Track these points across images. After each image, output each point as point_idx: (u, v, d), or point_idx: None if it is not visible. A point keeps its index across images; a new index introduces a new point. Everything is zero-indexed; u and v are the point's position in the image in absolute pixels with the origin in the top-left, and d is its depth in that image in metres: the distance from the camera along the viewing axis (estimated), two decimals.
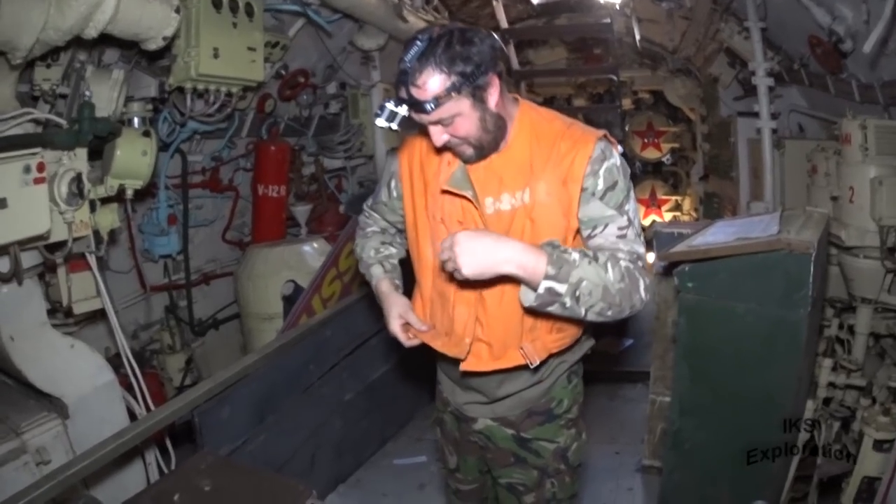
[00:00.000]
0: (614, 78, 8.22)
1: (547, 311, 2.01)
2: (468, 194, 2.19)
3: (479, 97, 2.05)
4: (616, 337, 6.36)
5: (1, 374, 3.68)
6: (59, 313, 3.90)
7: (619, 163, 2.17)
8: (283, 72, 5.66)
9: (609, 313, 2.03)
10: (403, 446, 5.06)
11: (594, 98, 12.63)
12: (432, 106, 1.99)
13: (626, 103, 12.11)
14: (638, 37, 8.16)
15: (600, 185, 2.13)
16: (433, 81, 1.97)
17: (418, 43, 1.98)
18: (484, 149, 2.16)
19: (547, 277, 1.93)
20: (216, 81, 4.38)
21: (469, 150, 2.16)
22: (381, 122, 2.06)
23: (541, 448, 2.51)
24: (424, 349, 2.41)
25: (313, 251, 5.60)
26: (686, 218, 12.30)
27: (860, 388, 4.03)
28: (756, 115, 5.92)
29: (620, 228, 2.13)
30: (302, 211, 6.44)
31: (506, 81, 2.34)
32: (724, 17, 6.51)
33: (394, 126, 2.06)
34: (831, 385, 4.11)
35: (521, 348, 2.28)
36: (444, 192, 2.24)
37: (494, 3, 7.47)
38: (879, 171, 3.78)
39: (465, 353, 2.31)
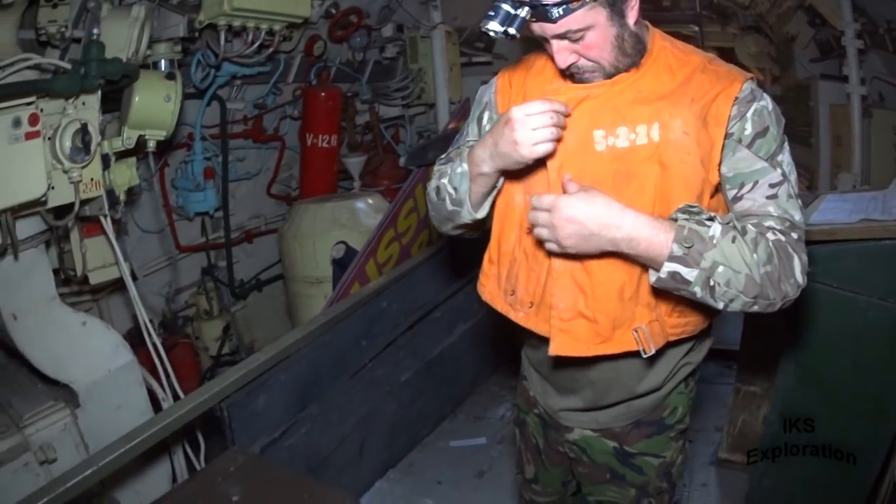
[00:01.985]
0: (695, 28, 7.56)
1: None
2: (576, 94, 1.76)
3: (617, 9, 1.65)
4: None
5: (13, 357, 3.31)
6: (75, 284, 3.50)
7: (770, 107, 1.73)
8: (333, 10, 5.18)
9: (755, 308, 1.63)
10: (461, 425, 4.62)
11: None
12: (560, 12, 1.57)
13: None
14: None
15: (748, 130, 1.69)
16: None
17: None
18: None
19: (672, 259, 1.57)
20: (254, 17, 3.96)
21: (600, 80, 1.75)
22: (493, 25, 1.58)
23: (645, 464, 2.09)
24: (504, 321, 2.01)
25: (367, 208, 5.15)
26: None
27: None
28: (840, 78, 5.50)
29: (772, 185, 1.68)
30: (355, 163, 6.00)
31: None
32: None
33: (511, 31, 1.57)
34: None
35: (636, 330, 1.80)
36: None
37: None
38: None
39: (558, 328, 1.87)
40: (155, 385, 3.43)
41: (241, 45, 4.21)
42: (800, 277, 1.63)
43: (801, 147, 7.45)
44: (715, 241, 1.56)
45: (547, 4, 1.56)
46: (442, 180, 1.97)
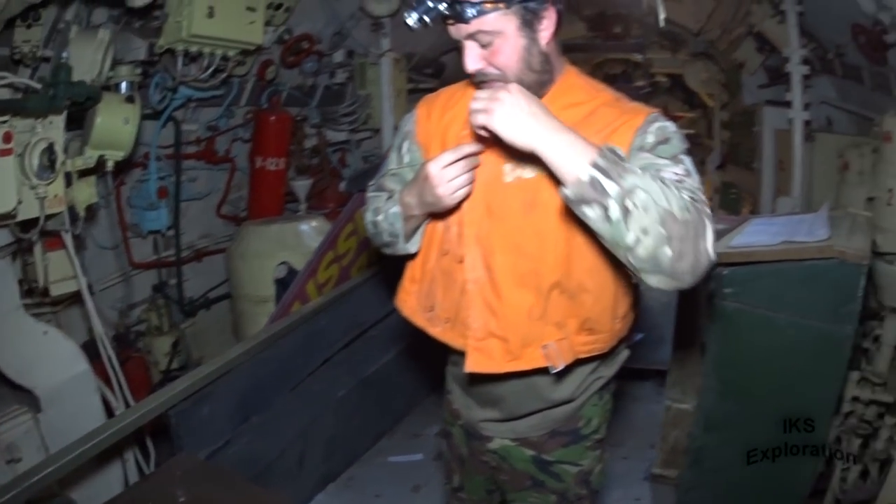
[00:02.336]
0: (639, 56, 7.83)
1: (585, 215, 1.58)
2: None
3: (529, 22, 1.76)
4: None
5: None
6: (36, 295, 3.61)
7: (674, 128, 1.81)
8: (286, 36, 5.33)
9: (668, 251, 1.53)
10: (399, 442, 4.75)
11: (610, 79, 12.12)
12: (474, 12, 1.70)
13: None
14: (662, 16, 7.79)
15: (650, 140, 1.76)
16: None
17: None
18: None
19: (595, 167, 1.53)
20: (210, 43, 4.09)
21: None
22: (412, 17, 1.74)
23: (563, 471, 2.21)
24: (438, 343, 2.13)
25: (311, 230, 5.25)
26: None
27: (886, 404, 3.62)
28: (785, 104, 5.64)
29: (677, 174, 1.67)
30: (302, 186, 6.11)
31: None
32: None
33: (426, 19, 1.73)
34: (855, 399, 3.66)
35: (544, 347, 1.93)
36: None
37: None
38: None
39: (472, 346, 2.00)
40: (109, 395, 3.55)
41: (197, 69, 4.32)
42: (709, 246, 1.58)
43: (745, 171, 7.62)
44: (635, 170, 1.56)
45: (463, 2, 1.69)
46: (378, 217, 2.11)
